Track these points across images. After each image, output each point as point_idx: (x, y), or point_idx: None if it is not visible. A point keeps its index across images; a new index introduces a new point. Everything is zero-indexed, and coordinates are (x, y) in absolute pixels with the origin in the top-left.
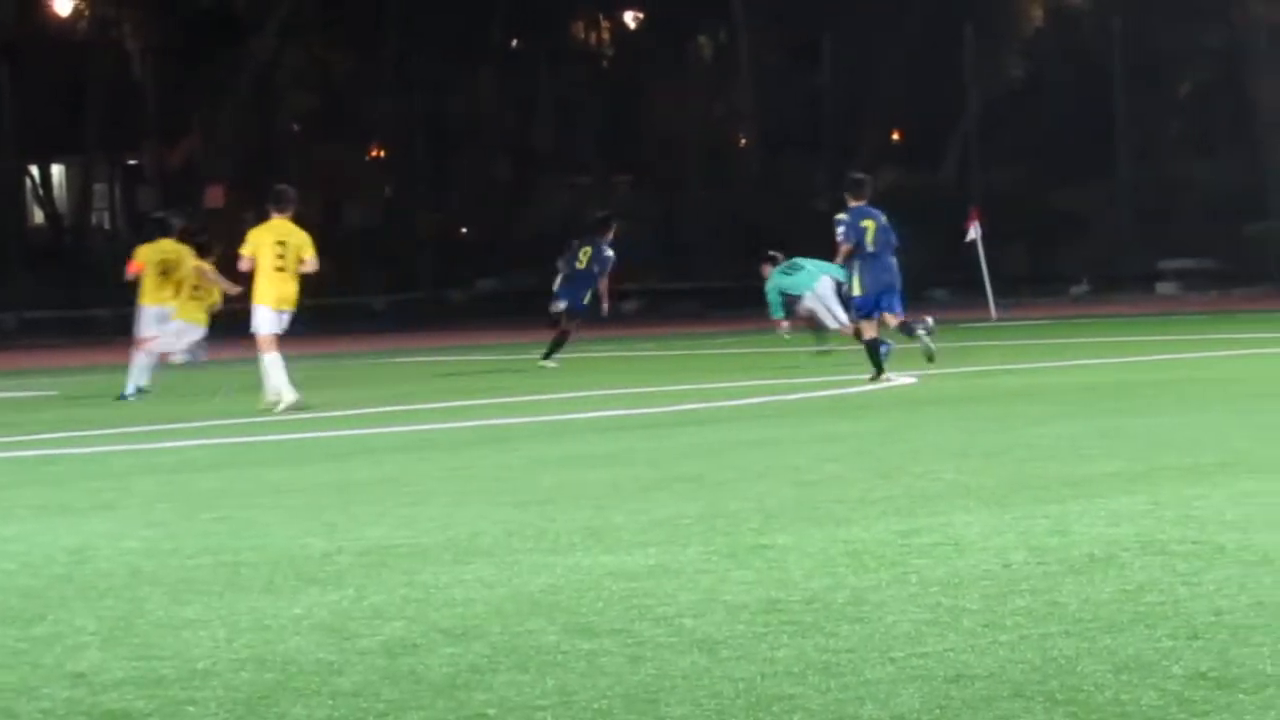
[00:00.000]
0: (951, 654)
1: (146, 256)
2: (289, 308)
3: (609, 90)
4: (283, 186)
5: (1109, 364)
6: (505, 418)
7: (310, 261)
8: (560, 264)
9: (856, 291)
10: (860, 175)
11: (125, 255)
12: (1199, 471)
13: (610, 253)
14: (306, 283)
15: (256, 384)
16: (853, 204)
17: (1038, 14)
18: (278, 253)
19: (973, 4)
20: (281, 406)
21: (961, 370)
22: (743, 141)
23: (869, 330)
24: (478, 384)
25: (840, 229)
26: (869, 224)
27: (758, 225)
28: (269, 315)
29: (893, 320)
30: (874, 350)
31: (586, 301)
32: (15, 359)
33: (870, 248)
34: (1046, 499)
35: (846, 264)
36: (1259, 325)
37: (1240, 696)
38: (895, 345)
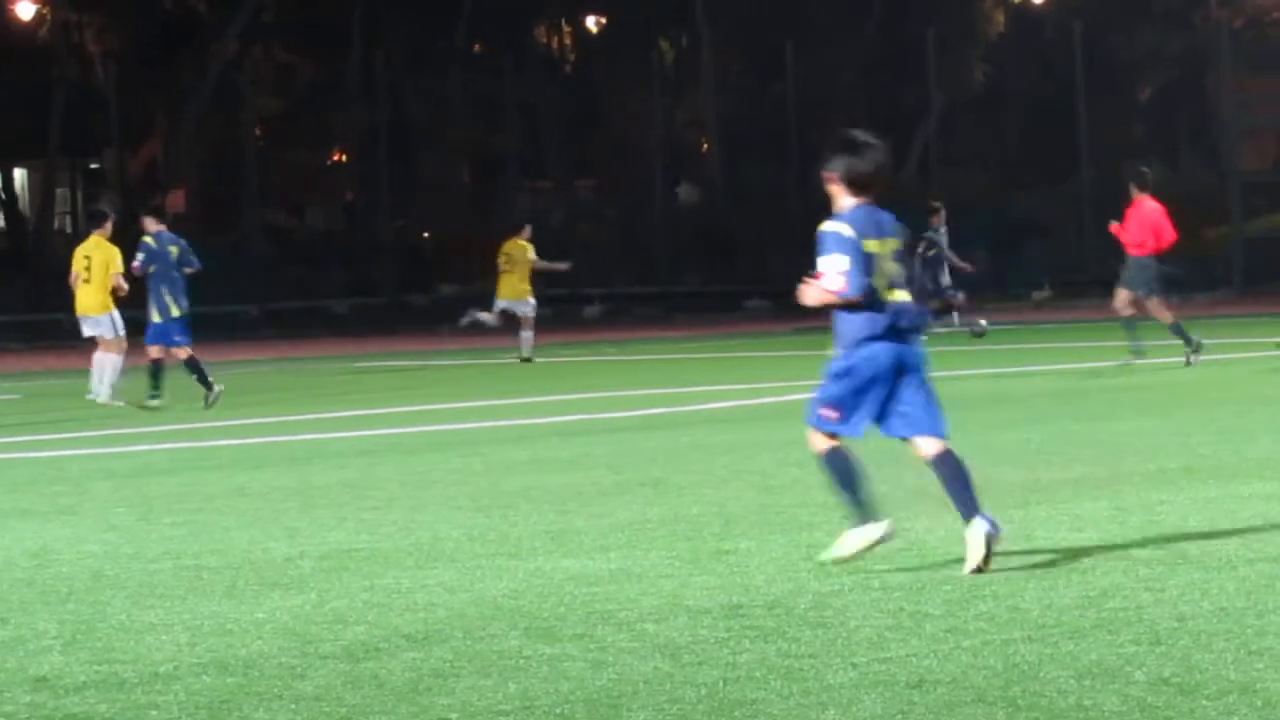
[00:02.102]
0: (914, 659)
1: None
2: (87, 314)
3: (572, 95)
4: (96, 207)
5: (1072, 369)
6: (467, 422)
7: (116, 275)
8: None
9: (175, 313)
10: (158, 203)
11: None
12: (1162, 477)
13: (937, 235)
14: (284, 286)
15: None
16: (154, 229)
17: (999, 19)
18: (84, 265)
19: (934, 9)
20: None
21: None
22: (705, 146)
23: (183, 352)
24: (439, 388)
25: (141, 254)
26: (174, 249)
27: (720, 230)
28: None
29: (183, 353)
30: (197, 367)
31: (946, 283)
32: None
33: (176, 271)
34: (1010, 504)
35: (153, 286)
36: (1221, 330)
37: (1203, 702)
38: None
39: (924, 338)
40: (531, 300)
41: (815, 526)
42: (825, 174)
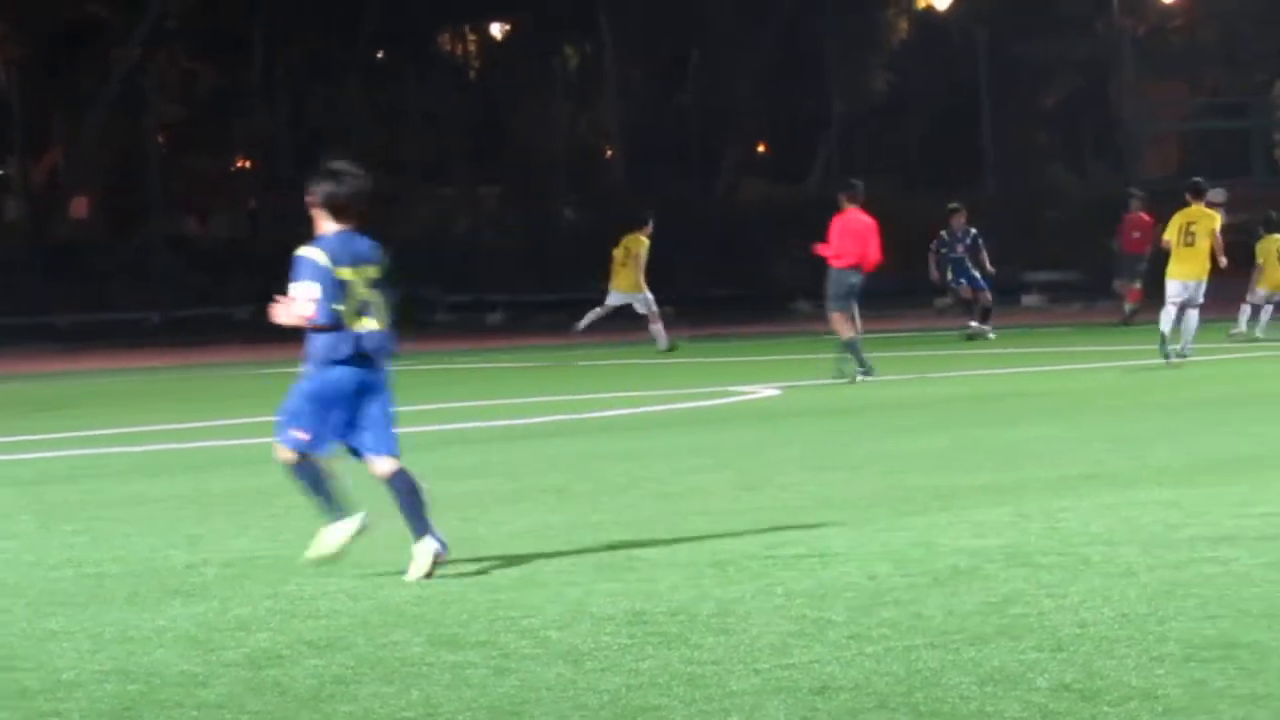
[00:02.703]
0: (817, 665)
1: None
2: None
3: (476, 102)
4: None
5: (974, 376)
6: None
7: None
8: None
9: None
10: None
11: None
12: (1064, 483)
13: (961, 233)
14: (188, 292)
15: None
16: None
17: (903, 26)
18: None
19: (836, 18)
20: None
21: (826, 383)
22: (609, 154)
23: None
24: None
25: None
26: None
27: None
28: None
29: None
30: None
31: (950, 278)
32: None
33: None
34: (911, 511)
35: None
36: (1122, 337)
37: (1104, 708)
38: None
39: (389, 361)
40: (647, 294)
41: (717, 534)
42: (308, 199)
